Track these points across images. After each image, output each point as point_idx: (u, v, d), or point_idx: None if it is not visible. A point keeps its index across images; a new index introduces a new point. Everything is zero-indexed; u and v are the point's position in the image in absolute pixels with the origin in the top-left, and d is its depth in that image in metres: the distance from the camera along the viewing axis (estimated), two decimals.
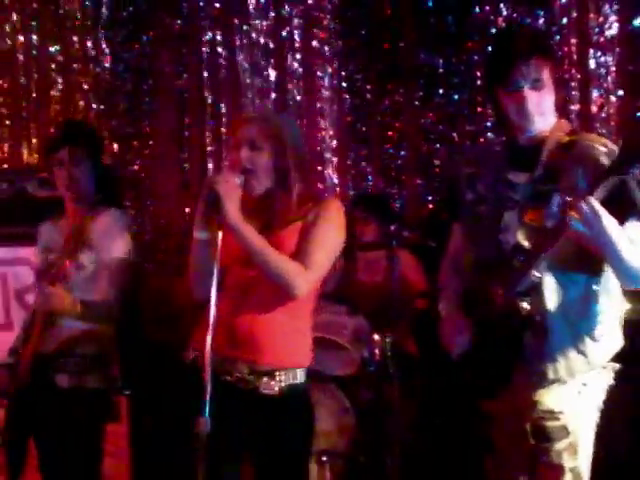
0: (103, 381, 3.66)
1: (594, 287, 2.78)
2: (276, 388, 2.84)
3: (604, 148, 2.71)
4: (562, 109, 2.95)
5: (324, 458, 4.38)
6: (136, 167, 6.42)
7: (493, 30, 5.56)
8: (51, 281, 3.47)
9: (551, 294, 2.75)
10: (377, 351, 4.67)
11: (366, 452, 4.61)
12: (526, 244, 2.76)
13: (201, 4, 6.28)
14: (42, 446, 3.64)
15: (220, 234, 2.71)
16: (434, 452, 4.75)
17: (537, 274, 2.70)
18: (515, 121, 2.86)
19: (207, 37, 6.28)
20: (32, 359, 3.56)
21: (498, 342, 2.81)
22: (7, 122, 6.54)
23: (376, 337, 4.72)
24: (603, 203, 2.53)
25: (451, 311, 3.04)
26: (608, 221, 2.54)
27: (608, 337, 2.83)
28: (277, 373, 2.84)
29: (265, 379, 2.83)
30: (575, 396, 2.81)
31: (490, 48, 3.07)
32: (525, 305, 2.73)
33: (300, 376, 2.92)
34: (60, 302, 3.45)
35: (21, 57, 6.52)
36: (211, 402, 2.52)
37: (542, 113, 2.83)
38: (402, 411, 4.57)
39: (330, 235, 2.91)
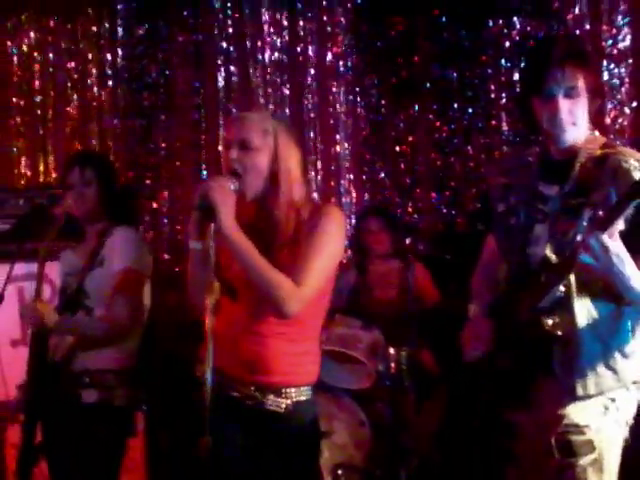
0: (130, 399, 3.65)
1: (625, 305, 2.74)
2: (283, 405, 2.79)
3: (637, 163, 2.68)
4: (597, 120, 2.96)
5: (339, 471, 4.38)
6: (153, 184, 6.43)
7: (507, 43, 5.58)
8: (71, 305, 3.52)
9: (581, 310, 2.72)
10: (393, 365, 4.66)
11: (382, 466, 4.59)
12: (554, 258, 2.73)
13: (216, 22, 6.31)
14: (57, 462, 3.62)
15: (212, 244, 2.60)
16: (451, 465, 4.73)
17: (561, 290, 2.69)
18: (548, 130, 2.82)
19: (222, 54, 6.30)
20: (57, 375, 3.57)
21: (521, 355, 2.79)
22: (24, 140, 6.58)
23: (391, 351, 4.72)
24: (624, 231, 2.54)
25: (476, 316, 3.01)
26: (617, 254, 2.52)
27: (639, 353, 2.79)
28: (284, 391, 2.79)
29: (272, 396, 2.79)
30: (602, 411, 2.76)
31: (523, 64, 3.05)
32: (549, 321, 2.70)
33: (307, 393, 2.85)
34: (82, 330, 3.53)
35: (38, 75, 6.56)
36: (215, 418, 2.46)
37: (575, 123, 2.78)
38: (418, 424, 4.57)
39: (327, 249, 2.75)
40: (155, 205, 6.39)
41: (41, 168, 6.52)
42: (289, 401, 2.80)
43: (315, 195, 5.98)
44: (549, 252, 2.74)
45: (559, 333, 2.70)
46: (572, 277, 2.68)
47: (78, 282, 3.60)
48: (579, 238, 2.65)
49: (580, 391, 2.73)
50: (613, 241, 2.51)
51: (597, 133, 2.90)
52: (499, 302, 2.93)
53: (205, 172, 6.35)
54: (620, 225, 2.55)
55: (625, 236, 2.57)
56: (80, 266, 3.65)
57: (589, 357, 2.73)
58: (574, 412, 2.75)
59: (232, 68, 6.30)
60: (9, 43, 6.58)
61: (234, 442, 2.79)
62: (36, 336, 3.60)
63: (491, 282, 3.06)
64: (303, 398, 2.83)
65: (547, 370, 2.76)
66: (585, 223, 2.67)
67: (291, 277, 2.67)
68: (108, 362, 3.58)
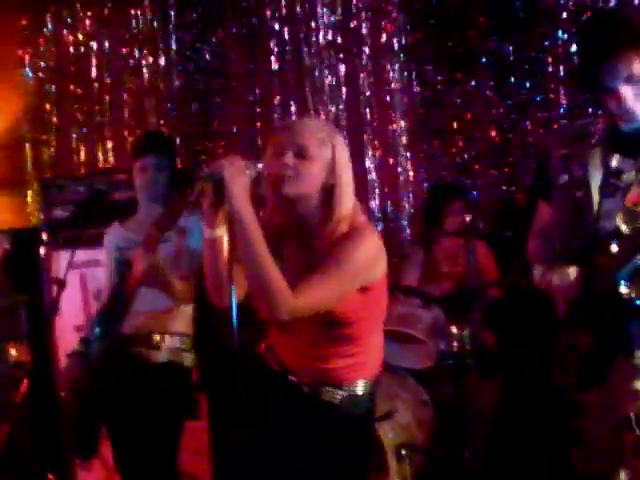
0: (194, 361, 3.89)
1: None
2: (338, 397, 2.75)
3: None
4: None
5: (403, 452, 4.35)
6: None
7: (563, 14, 5.48)
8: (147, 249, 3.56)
9: None
10: (455, 343, 4.63)
11: (445, 446, 4.57)
12: (624, 228, 2.70)
13: (268, 3, 6.30)
14: (123, 425, 3.78)
15: (224, 228, 2.51)
16: (515, 445, 4.69)
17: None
18: (616, 115, 2.79)
19: (275, 35, 6.29)
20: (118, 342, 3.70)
21: (601, 335, 2.74)
22: (82, 128, 6.65)
23: (453, 329, 4.68)
24: None
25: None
26: None
27: None
28: (343, 384, 2.76)
29: (327, 388, 2.75)
30: None
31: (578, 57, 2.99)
32: (626, 290, 2.66)
33: (362, 388, 2.79)
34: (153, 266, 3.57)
35: (94, 62, 6.62)
36: (274, 398, 2.51)
37: None
38: (482, 404, 4.54)
39: (345, 271, 2.58)
40: None
41: (100, 155, 6.60)
42: (345, 394, 2.75)
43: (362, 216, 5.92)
44: (620, 223, 2.71)
45: (638, 301, 2.66)
46: None
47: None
48: None
49: None
50: None
51: None
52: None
53: (258, 154, 6.34)
54: None
55: None
56: (138, 240, 3.69)
57: None
58: None
59: (286, 48, 6.29)
60: (65, 32, 6.65)
61: (284, 424, 2.77)
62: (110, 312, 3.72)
63: (548, 247, 2.99)
64: (359, 393, 2.78)
65: (619, 347, 2.72)
66: None
67: (297, 286, 2.53)
68: (175, 327, 3.81)
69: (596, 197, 2.80)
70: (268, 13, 6.30)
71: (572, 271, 2.84)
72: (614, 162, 2.79)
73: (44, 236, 5.15)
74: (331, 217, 2.65)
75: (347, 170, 2.70)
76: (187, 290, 3.78)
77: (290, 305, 2.51)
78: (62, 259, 4.63)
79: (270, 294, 2.50)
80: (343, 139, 2.78)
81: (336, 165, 2.66)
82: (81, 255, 4.54)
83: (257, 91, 6.40)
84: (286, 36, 6.29)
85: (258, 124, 6.38)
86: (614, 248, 2.69)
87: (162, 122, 6.53)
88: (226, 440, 5.04)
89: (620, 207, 2.74)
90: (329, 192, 2.66)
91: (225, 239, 2.53)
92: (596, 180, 2.82)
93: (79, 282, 5.13)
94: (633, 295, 2.66)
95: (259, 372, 2.84)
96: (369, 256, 2.65)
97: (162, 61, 6.54)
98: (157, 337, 3.78)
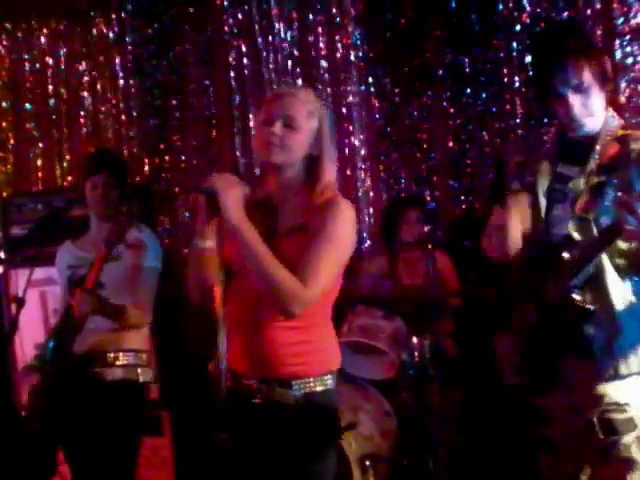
0: (150, 376, 3.90)
1: None
2: (291, 398, 2.70)
3: None
4: (611, 99, 2.93)
5: (367, 462, 4.36)
6: (168, 182, 6.44)
7: (518, 27, 5.55)
8: (85, 288, 3.59)
9: (613, 287, 2.73)
10: (416, 354, 4.65)
11: (409, 455, 4.58)
12: (576, 236, 2.74)
13: (225, 17, 6.31)
14: (77, 441, 3.74)
15: (215, 240, 2.58)
16: (479, 453, 4.72)
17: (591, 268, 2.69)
18: (565, 123, 2.86)
19: (233, 49, 6.30)
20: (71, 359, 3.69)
21: (552, 336, 2.78)
22: (39, 144, 6.61)
23: (415, 340, 4.70)
24: None
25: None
26: None
27: None
28: (293, 382, 2.70)
29: (280, 389, 2.70)
30: None
31: (531, 62, 3.07)
32: (579, 297, 2.70)
33: (317, 384, 2.74)
34: (96, 307, 3.59)
35: (50, 79, 6.59)
36: (229, 414, 2.46)
37: (591, 114, 2.81)
38: (444, 412, 4.55)
39: (335, 247, 2.66)
40: (172, 203, 6.40)
41: (57, 172, 6.55)
42: (298, 393, 2.70)
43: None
44: (572, 230, 2.75)
45: (591, 307, 2.70)
46: (603, 254, 2.70)
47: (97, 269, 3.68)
48: (603, 219, 2.68)
49: (624, 370, 2.73)
50: None
51: (613, 113, 2.89)
52: (524, 284, 2.90)
53: (218, 167, 6.35)
54: None
55: None
56: (89, 258, 3.74)
57: (628, 336, 2.73)
58: (613, 391, 2.75)
59: (244, 63, 6.29)
60: (20, 49, 6.62)
61: (246, 439, 2.72)
62: (62, 330, 3.71)
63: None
64: (319, 389, 2.74)
65: (579, 351, 2.75)
66: (608, 203, 2.67)
67: (298, 275, 2.58)
68: (129, 344, 3.81)
69: (543, 202, 2.89)
70: (226, 28, 6.31)
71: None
72: (560, 168, 2.86)
73: (2, 254, 5.12)
74: (315, 186, 2.74)
75: (332, 142, 2.80)
76: (140, 315, 3.81)
77: (304, 298, 2.59)
78: (21, 277, 4.59)
79: (283, 294, 2.58)
80: (329, 113, 2.87)
81: (322, 136, 2.75)
82: (40, 273, 4.52)
83: (215, 105, 6.39)
84: (243, 49, 6.30)
85: (216, 138, 6.37)
86: (566, 256, 2.74)
87: (120, 138, 6.48)
88: (189, 455, 5.05)
89: (569, 214, 2.79)
90: (314, 162, 2.75)
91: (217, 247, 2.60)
92: (543, 186, 2.90)
93: (39, 300, 5.10)
94: (586, 302, 2.71)
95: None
96: (353, 233, 2.75)
97: (119, 77, 6.51)
98: (111, 355, 3.77)
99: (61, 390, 3.67)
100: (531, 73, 3.04)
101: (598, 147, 2.80)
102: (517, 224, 2.96)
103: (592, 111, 2.80)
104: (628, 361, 2.73)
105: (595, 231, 2.74)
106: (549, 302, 2.77)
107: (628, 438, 2.72)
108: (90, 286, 3.56)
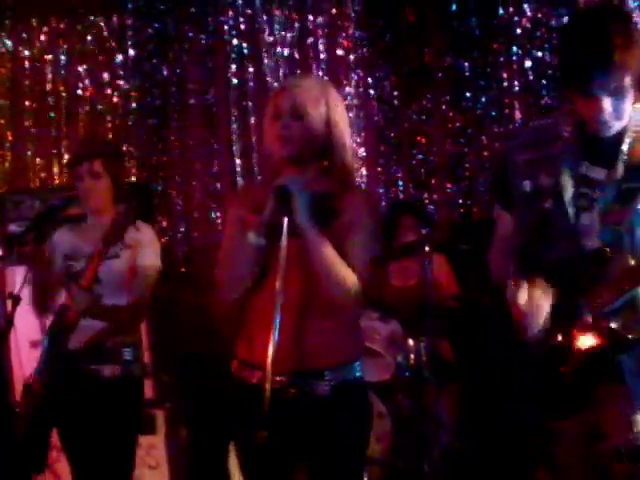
0: (141, 370, 3.86)
1: None
2: (326, 388, 2.71)
3: None
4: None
5: None
6: (167, 182, 6.44)
7: (518, 31, 5.55)
8: (82, 281, 3.53)
9: None
10: (412, 356, 4.65)
11: (404, 457, 4.58)
12: (608, 251, 2.53)
13: (225, 18, 6.31)
14: (75, 438, 3.73)
15: (285, 239, 2.57)
16: (474, 455, 4.71)
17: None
18: (589, 123, 2.57)
19: (233, 50, 6.30)
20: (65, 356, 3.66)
21: (585, 362, 2.59)
22: (37, 142, 6.60)
23: (410, 342, 4.70)
24: None
25: (517, 293, 2.68)
26: None
27: None
28: (326, 373, 2.71)
29: (313, 381, 2.71)
30: None
31: (561, 45, 2.73)
32: (615, 325, 2.52)
33: (350, 373, 2.77)
34: (91, 305, 3.54)
35: (49, 77, 6.58)
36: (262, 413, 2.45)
37: (621, 117, 2.53)
38: (440, 415, 4.55)
39: (375, 239, 2.78)
40: (170, 203, 6.40)
41: (55, 170, 6.55)
42: (333, 383, 2.71)
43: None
44: (603, 245, 2.54)
45: (630, 336, 2.53)
46: None
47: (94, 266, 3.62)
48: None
49: None
50: None
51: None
52: (556, 300, 2.63)
53: (218, 170, 6.35)
54: None
55: None
56: (87, 251, 3.68)
57: None
58: None
59: (244, 64, 6.29)
60: (20, 47, 6.61)
61: (281, 436, 2.68)
62: (56, 330, 3.70)
63: (510, 264, 2.78)
64: (349, 378, 2.76)
65: (611, 376, 2.58)
66: None
67: (351, 268, 2.67)
68: (126, 339, 3.77)
69: (570, 210, 2.62)
70: (225, 28, 6.31)
71: (539, 295, 2.64)
72: (586, 170, 2.62)
73: None
74: (332, 166, 2.78)
75: (342, 121, 2.81)
76: (136, 313, 3.79)
77: (359, 292, 2.68)
78: (17, 275, 4.59)
79: (344, 290, 2.66)
80: (336, 91, 2.89)
81: (330, 118, 2.76)
82: None
83: (214, 106, 6.39)
84: (244, 50, 6.30)
85: (215, 139, 6.37)
86: (600, 274, 2.53)
87: (118, 137, 6.48)
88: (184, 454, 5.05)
89: (598, 224, 2.57)
90: (328, 144, 2.76)
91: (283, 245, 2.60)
92: (567, 191, 2.63)
93: None
94: (622, 329, 2.53)
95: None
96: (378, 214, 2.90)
97: (119, 76, 6.51)
98: (108, 351, 3.73)
99: (57, 387, 3.66)
100: (562, 59, 2.57)
101: (625, 146, 2.55)
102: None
103: (623, 114, 2.53)
104: None
105: (629, 245, 2.52)
106: (582, 326, 2.58)
107: None
108: (86, 284, 3.53)
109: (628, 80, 2.46)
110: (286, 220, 2.61)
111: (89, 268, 3.53)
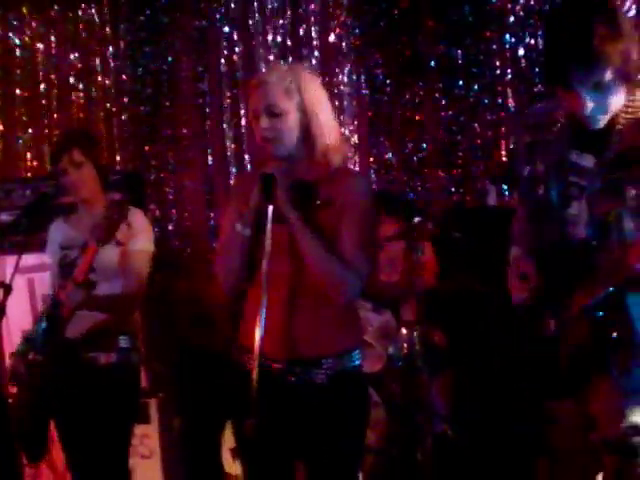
0: (138, 358, 3.89)
1: None
2: (323, 377, 2.74)
3: None
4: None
5: None
6: (159, 171, 6.42)
7: (511, 19, 5.53)
8: (76, 277, 3.53)
9: (634, 304, 2.49)
10: (405, 345, 4.64)
11: (398, 446, 4.58)
12: (595, 243, 2.50)
13: (217, 5, 6.28)
14: (72, 427, 3.76)
15: (269, 226, 2.61)
16: (468, 443, 4.72)
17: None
18: (576, 115, 2.53)
19: (225, 38, 6.27)
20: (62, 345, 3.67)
21: (574, 351, 2.59)
22: (29, 130, 6.58)
23: (403, 331, 4.70)
24: None
25: (519, 256, 2.79)
26: None
27: None
28: (323, 361, 2.74)
29: (311, 369, 2.74)
30: None
31: (544, 37, 2.66)
32: (601, 319, 2.51)
33: (349, 361, 2.80)
34: (85, 300, 3.55)
35: (41, 65, 6.55)
36: (258, 400, 2.50)
37: (606, 112, 2.48)
38: (433, 402, 4.56)
39: (369, 222, 2.79)
40: (162, 193, 6.39)
41: (47, 158, 6.52)
42: (330, 371, 2.74)
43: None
44: (591, 236, 2.53)
45: (614, 334, 2.52)
46: None
47: (79, 256, 3.68)
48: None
49: None
50: None
51: (634, 91, 2.53)
52: (541, 291, 2.66)
53: (211, 158, 6.33)
54: None
55: None
56: (81, 241, 3.71)
57: None
58: (632, 412, 2.58)
59: (236, 52, 6.27)
60: (11, 34, 6.58)
61: (278, 423, 2.76)
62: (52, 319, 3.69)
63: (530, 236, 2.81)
64: (347, 367, 2.78)
65: (601, 367, 2.58)
66: (631, 202, 2.40)
67: (345, 259, 2.68)
68: (123, 327, 3.80)
69: (559, 197, 2.62)
70: (217, 15, 6.28)
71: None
72: (575, 158, 2.59)
73: None
74: (314, 150, 2.78)
75: (319, 104, 2.80)
76: (131, 301, 3.80)
77: (357, 285, 2.72)
78: (9, 264, 4.58)
79: (338, 283, 2.69)
80: (309, 72, 2.89)
81: (306, 106, 2.76)
82: (29, 259, 4.51)
83: (207, 94, 6.37)
84: (235, 38, 6.27)
85: (207, 127, 6.35)
86: (588, 265, 2.49)
87: (110, 125, 6.46)
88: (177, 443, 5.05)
89: (586, 214, 2.55)
90: (308, 129, 2.77)
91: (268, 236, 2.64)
92: (556, 178, 2.63)
93: (27, 286, 5.08)
94: (608, 323, 2.51)
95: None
96: (373, 202, 2.84)
97: (110, 64, 6.48)
98: (106, 339, 3.75)
99: (53, 375, 3.65)
100: (546, 51, 2.52)
101: (615, 134, 2.50)
102: None
103: (607, 109, 2.47)
104: None
105: (616, 236, 2.47)
106: (570, 316, 2.56)
107: None
108: (81, 279, 3.52)
109: (610, 74, 2.40)
110: (271, 208, 2.64)
111: (83, 262, 3.53)
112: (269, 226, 2.61)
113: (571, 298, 2.55)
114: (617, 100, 2.49)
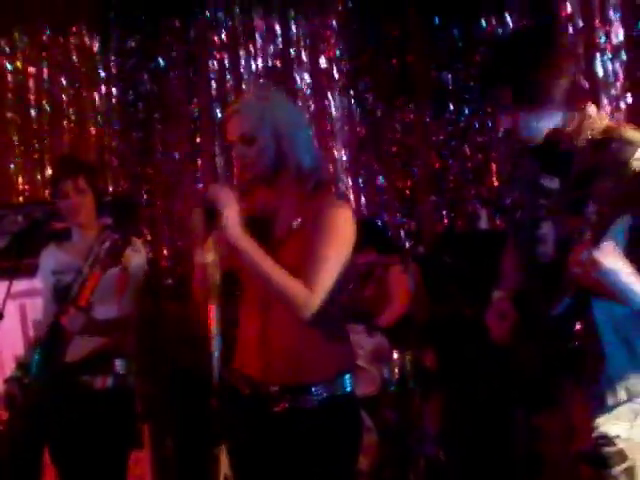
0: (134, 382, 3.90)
1: None
2: (315, 403, 2.69)
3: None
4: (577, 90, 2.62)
5: None
6: (151, 194, 6.43)
7: None
8: (80, 301, 3.55)
9: (601, 313, 2.54)
10: (396, 369, 4.65)
11: (390, 469, 4.58)
12: (562, 258, 2.49)
13: (208, 29, 6.31)
14: (67, 452, 3.74)
15: (213, 253, 2.60)
16: (461, 467, 4.72)
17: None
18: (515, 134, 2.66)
19: (215, 61, 6.30)
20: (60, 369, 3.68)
21: (546, 360, 2.63)
22: (21, 156, 6.58)
23: (395, 355, 4.70)
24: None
25: (500, 298, 2.84)
26: (611, 269, 2.32)
27: None
28: (313, 388, 2.69)
29: (300, 395, 2.69)
30: (632, 418, 2.61)
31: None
32: (567, 328, 2.55)
33: (340, 387, 2.74)
34: (86, 325, 3.57)
35: (32, 90, 6.56)
36: (245, 425, 2.53)
37: (532, 135, 2.59)
38: (425, 425, 4.56)
39: (336, 246, 2.68)
40: (154, 215, 6.39)
41: (38, 183, 6.52)
42: (320, 397, 2.70)
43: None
44: (557, 252, 2.59)
45: (576, 343, 2.56)
46: None
47: (74, 280, 3.71)
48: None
49: (610, 401, 2.59)
50: (607, 255, 2.31)
51: (595, 110, 2.64)
52: (519, 304, 2.75)
53: (200, 179, 6.35)
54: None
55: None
56: (75, 266, 3.74)
57: (616, 364, 2.58)
58: (604, 422, 2.60)
59: (226, 75, 6.29)
60: (2, 59, 6.59)
61: (265, 448, 2.74)
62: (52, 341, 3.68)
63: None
64: (339, 392, 2.74)
65: (573, 377, 2.62)
66: (590, 218, 2.40)
67: (303, 279, 2.62)
68: (120, 351, 3.82)
69: (529, 220, 2.72)
70: (207, 39, 6.30)
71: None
72: (543, 181, 2.68)
73: None
74: (288, 173, 2.74)
75: (293, 125, 2.77)
76: (127, 324, 3.82)
77: (312, 303, 2.62)
78: (0, 290, 4.57)
79: (291, 301, 2.62)
80: (280, 96, 2.86)
81: (278, 127, 2.71)
82: (20, 285, 4.50)
83: (197, 118, 6.39)
84: (225, 62, 6.30)
85: (199, 150, 6.37)
86: (553, 279, 2.56)
87: (102, 150, 6.46)
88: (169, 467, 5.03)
89: (552, 232, 2.64)
90: (281, 153, 2.72)
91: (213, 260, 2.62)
92: (529, 202, 2.73)
93: (19, 312, 5.06)
94: (570, 332, 2.56)
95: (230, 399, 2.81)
96: (352, 231, 2.74)
97: (102, 88, 6.50)
98: (102, 363, 3.75)
99: (48, 400, 3.65)
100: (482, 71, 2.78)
101: (576, 155, 2.57)
102: None
103: (535, 132, 2.59)
104: (616, 390, 2.59)
105: None
106: (541, 329, 2.62)
107: (618, 469, 2.59)
108: (83, 304, 3.53)
109: (507, 98, 2.55)
110: (213, 236, 2.61)
111: (87, 287, 3.53)
112: (211, 255, 2.61)
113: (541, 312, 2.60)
114: (549, 124, 2.58)
